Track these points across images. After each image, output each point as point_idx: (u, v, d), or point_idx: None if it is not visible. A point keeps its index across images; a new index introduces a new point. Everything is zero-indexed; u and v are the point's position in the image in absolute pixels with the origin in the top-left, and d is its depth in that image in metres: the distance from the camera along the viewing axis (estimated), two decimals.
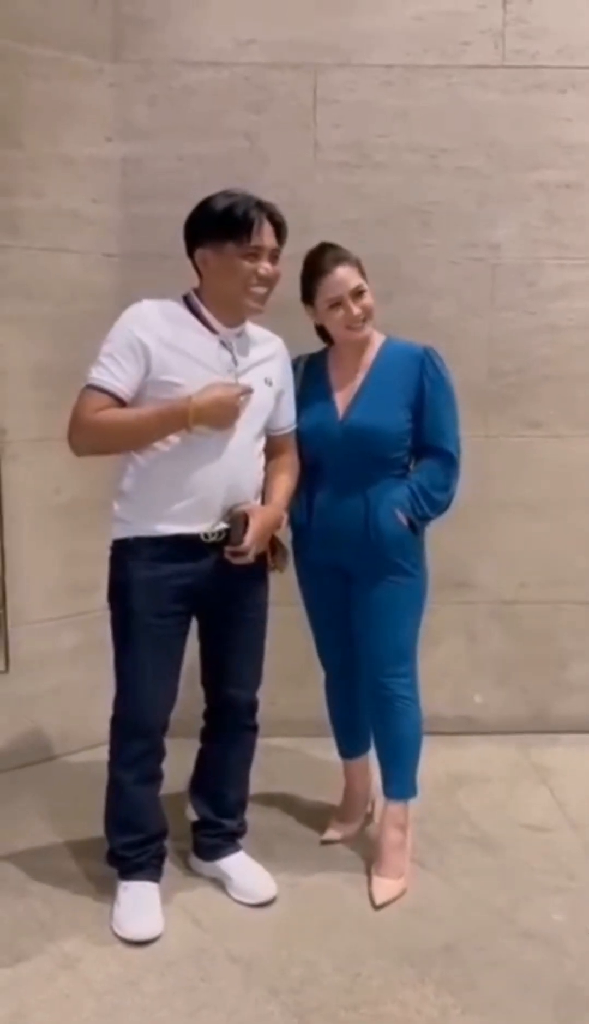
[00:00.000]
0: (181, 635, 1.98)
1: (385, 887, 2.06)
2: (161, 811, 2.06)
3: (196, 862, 2.16)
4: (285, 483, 2.05)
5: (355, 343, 2.08)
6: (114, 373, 1.83)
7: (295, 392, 2.10)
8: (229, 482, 1.91)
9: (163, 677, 1.96)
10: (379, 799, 2.25)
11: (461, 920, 1.98)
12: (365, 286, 2.04)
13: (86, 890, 2.08)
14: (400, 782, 2.14)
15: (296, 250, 2.78)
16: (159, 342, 1.83)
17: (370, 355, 2.09)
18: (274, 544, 2.07)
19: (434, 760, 2.53)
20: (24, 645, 2.65)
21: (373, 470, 2.05)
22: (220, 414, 1.85)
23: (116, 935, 1.92)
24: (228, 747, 2.12)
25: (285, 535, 2.13)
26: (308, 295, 2.07)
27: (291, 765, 2.68)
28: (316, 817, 2.39)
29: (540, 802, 2.51)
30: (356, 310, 2.01)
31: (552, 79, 2.63)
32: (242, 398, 1.87)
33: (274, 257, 1.89)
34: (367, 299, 2.04)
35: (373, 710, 2.15)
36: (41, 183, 2.55)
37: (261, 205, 1.87)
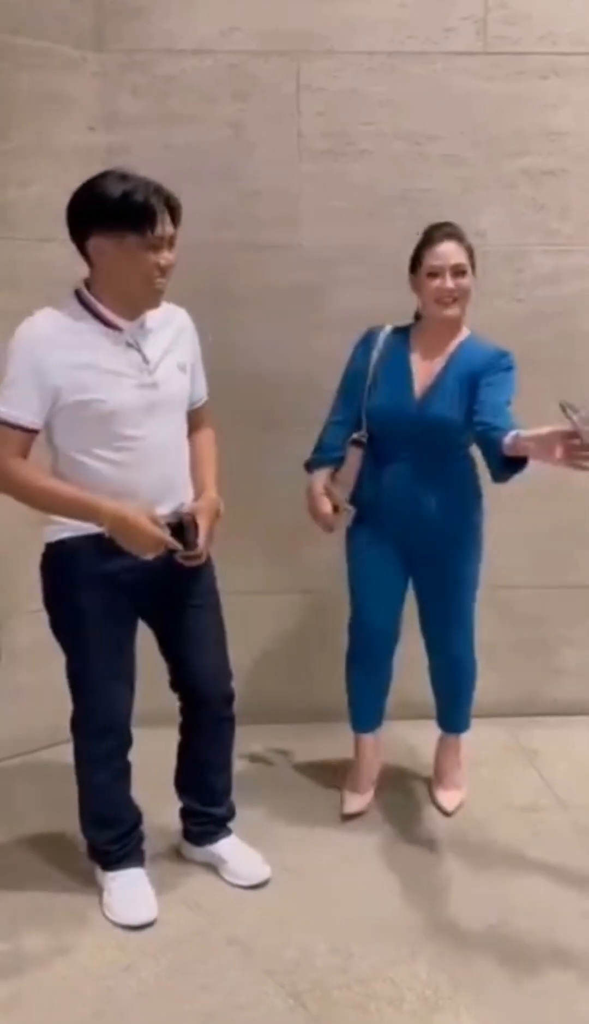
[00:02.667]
0: (132, 629, 1.97)
1: (451, 796, 2.40)
2: (133, 801, 2.06)
3: (188, 848, 2.18)
4: (211, 464, 2.06)
5: (442, 324, 2.15)
6: (20, 405, 1.76)
7: (371, 366, 2.17)
8: (161, 476, 1.89)
9: (123, 673, 1.96)
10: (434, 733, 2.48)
11: (452, 899, 2.01)
12: (467, 268, 2.12)
13: (81, 877, 2.10)
14: (461, 719, 2.44)
15: (284, 239, 2.81)
16: (64, 365, 1.75)
17: (453, 345, 2.17)
18: (336, 506, 2.14)
19: (426, 744, 2.57)
20: (17, 636, 2.66)
21: (442, 451, 2.17)
22: (131, 544, 1.79)
23: (113, 923, 1.94)
24: (208, 741, 2.10)
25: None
26: (415, 264, 2.16)
27: (285, 751, 2.71)
28: (309, 801, 2.43)
29: (530, 783, 2.54)
30: (450, 284, 2.09)
31: (535, 66, 2.63)
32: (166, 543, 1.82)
33: (172, 243, 1.82)
34: (465, 281, 2.11)
35: (443, 667, 2.38)
36: (26, 173, 2.54)
37: (159, 191, 1.77)
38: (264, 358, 2.74)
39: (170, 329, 1.93)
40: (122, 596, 1.90)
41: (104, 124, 2.63)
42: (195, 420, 2.05)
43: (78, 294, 1.86)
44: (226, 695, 2.09)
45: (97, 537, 1.82)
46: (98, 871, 2.05)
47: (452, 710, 2.43)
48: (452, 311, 2.12)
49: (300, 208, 2.67)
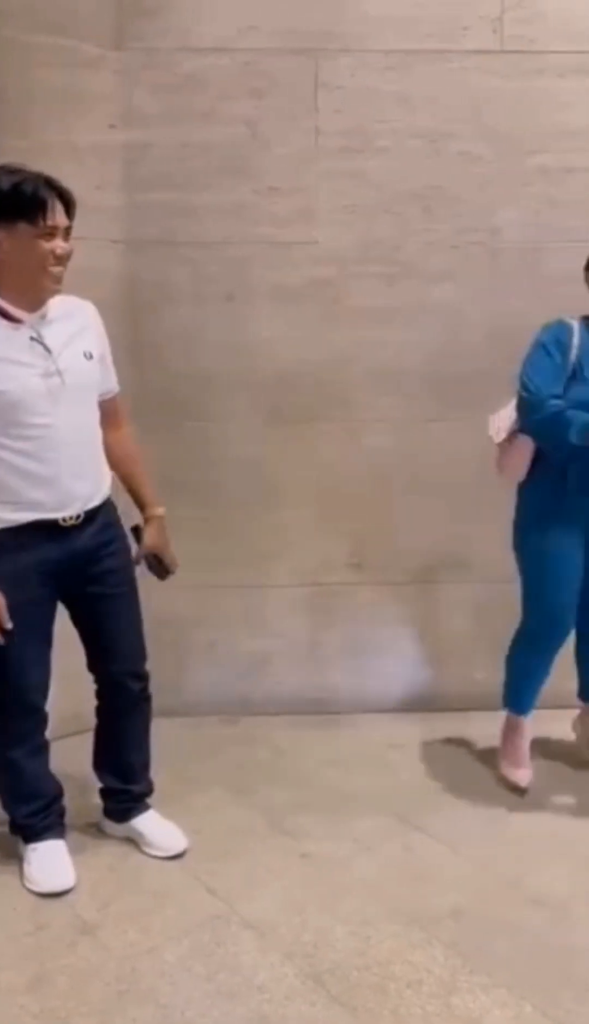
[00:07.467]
0: (51, 615, 2.03)
1: None
2: (53, 775, 2.14)
3: (109, 825, 2.24)
4: (142, 471, 2.13)
5: None
6: None
7: (570, 363, 2.18)
8: (72, 464, 1.92)
9: (42, 658, 2.02)
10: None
11: (468, 886, 2.04)
12: None
13: (103, 860, 2.14)
14: None
15: (301, 236, 2.83)
16: None
17: None
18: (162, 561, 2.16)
19: (440, 734, 2.63)
20: None
21: None
22: None
23: (32, 891, 2.01)
24: (128, 723, 2.17)
25: None
26: None
27: (300, 742, 2.74)
28: (328, 790, 2.46)
29: (543, 773, 2.56)
30: None
31: (551, 64, 2.66)
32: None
33: (67, 234, 1.87)
34: None
35: None
36: (45, 171, 2.56)
37: (49, 183, 1.82)
38: (280, 354, 2.77)
39: (74, 321, 1.97)
40: (42, 587, 1.96)
41: (123, 122, 2.66)
42: (110, 414, 2.07)
43: None
44: (142, 677, 2.15)
45: (14, 530, 1.89)
46: (20, 844, 2.11)
47: None
48: None
49: (317, 205, 2.70)
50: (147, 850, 2.16)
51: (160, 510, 2.13)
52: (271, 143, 2.69)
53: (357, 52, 2.65)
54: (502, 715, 2.59)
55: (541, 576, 2.36)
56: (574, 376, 2.20)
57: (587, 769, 2.56)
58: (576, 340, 2.21)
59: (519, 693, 2.50)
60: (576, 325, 2.25)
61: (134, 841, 2.19)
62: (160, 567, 2.13)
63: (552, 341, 2.23)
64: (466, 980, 1.74)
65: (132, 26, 2.63)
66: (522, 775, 2.46)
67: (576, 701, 2.66)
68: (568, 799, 2.42)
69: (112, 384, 2.10)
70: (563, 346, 2.21)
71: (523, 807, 2.38)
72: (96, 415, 2.02)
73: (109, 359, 2.08)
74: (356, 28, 2.64)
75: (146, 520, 2.12)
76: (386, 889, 2.03)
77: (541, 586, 2.37)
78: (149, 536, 2.11)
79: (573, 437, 2.14)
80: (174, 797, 2.31)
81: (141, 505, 2.13)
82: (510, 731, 2.53)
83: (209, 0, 2.62)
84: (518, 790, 2.44)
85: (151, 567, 2.13)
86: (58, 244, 1.84)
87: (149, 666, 2.17)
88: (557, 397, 2.19)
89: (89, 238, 2.64)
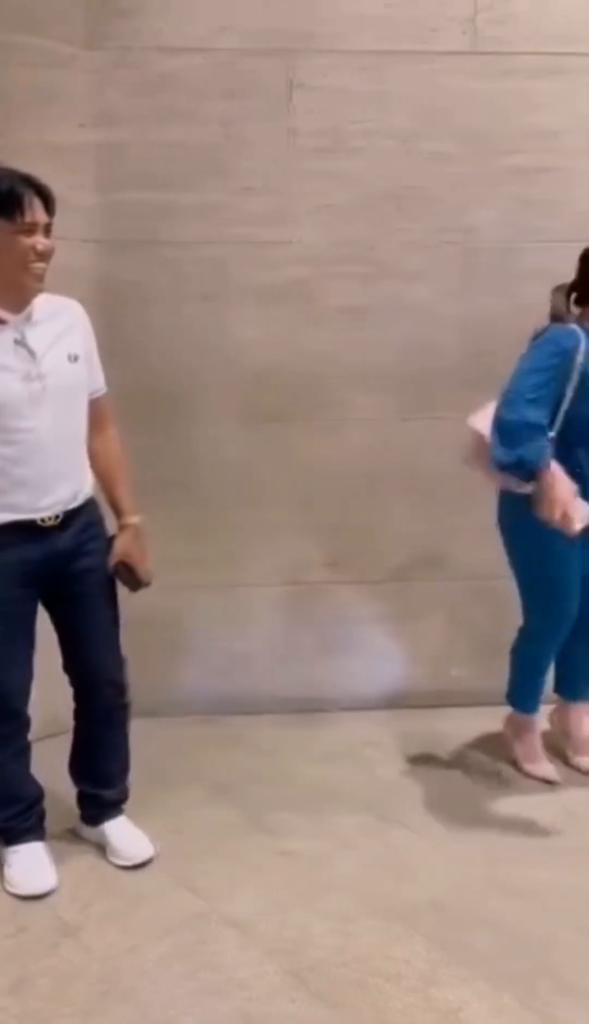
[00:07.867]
0: (32, 616, 2.01)
1: None
2: (34, 778, 2.12)
3: (84, 829, 2.22)
4: (122, 477, 2.10)
5: None
6: None
7: (575, 372, 2.12)
8: (54, 467, 1.91)
9: (24, 660, 2.00)
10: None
11: (447, 880, 2.06)
12: None
13: (84, 862, 2.14)
14: None
15: (277, 236, 2.84)
16: None
17: None
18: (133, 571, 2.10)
19: (419, 731, 2.65)
20: None
21: None
22: None
23: (12, 894, 2.01)
24: (104, 729, 2.15)
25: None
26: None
27: (279, 740, 2.75)
28: (308, 788, 2.47)
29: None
30: None
31: (523, 65, 2.68)
32: None
33: (48, 231, 1.86)
34: None
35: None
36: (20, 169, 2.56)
37: (27, 179, 1.82)
38: (257, 353, 2.77)
39: (61, 320, 1.96)
40: (21, 587, 1.95)
41: (96, 122, 2.66)
42: (95, 414, 2.06)
43: None
44: (117, 684, 2.13)
45: None
46: (0, 846, 2.11)
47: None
48: None
49: (292, 205, 2.71)
50: (111, 858, 2.13)
51: (135, 519, 2.08)
52: (246, 143, 2.69)
53: (331, 53, 2.66)
54: (481, 711, 2.62)
55: (548, 580, 2.36)
56: (582, 389, 2.16)
57: (564, 762, 2.58)
58: (584, 346, 2.16)
59: (532, 693, 2.53)
60: (582, 334, 2.18)
61: (102, 847, 2.17)
62: (131, 578, 2.06)
63: (554, 345, 2.17)
64: (446, 973, 1.76)
65: (105, 26, 2.62)
66: (549, 769, 2.50)
67: (554, 695, 2.68)
68: (545, 792, 2.45)
69: (98, 384, 2.07)
70: (566, 352, 2.16)
71: (501, 801, 2.40)
72: (82, 416, 2.00)
73: (96, 358, 2.06)
74: (330, 29, 2.65)
75: (120, 528, 2.09)
76: (366, 885, 2.05)
77: (546, 589, 2.37)
78: (121, 544, 2.05)
79: (514, 453, 2.10)
80: (154, 797, 2.31)
81: (117, 513, 2.10)
82: (524, 731, 2.55)
83: (183, 0, 2.62)
84: (552, 783, 2.47)
85: (121, 576, 2.06)
86: (38, 240, 1.83)
87: (129, 669, 2.15)
88: (536, 401, 2.14)
89: (65, 238, 2.63)
